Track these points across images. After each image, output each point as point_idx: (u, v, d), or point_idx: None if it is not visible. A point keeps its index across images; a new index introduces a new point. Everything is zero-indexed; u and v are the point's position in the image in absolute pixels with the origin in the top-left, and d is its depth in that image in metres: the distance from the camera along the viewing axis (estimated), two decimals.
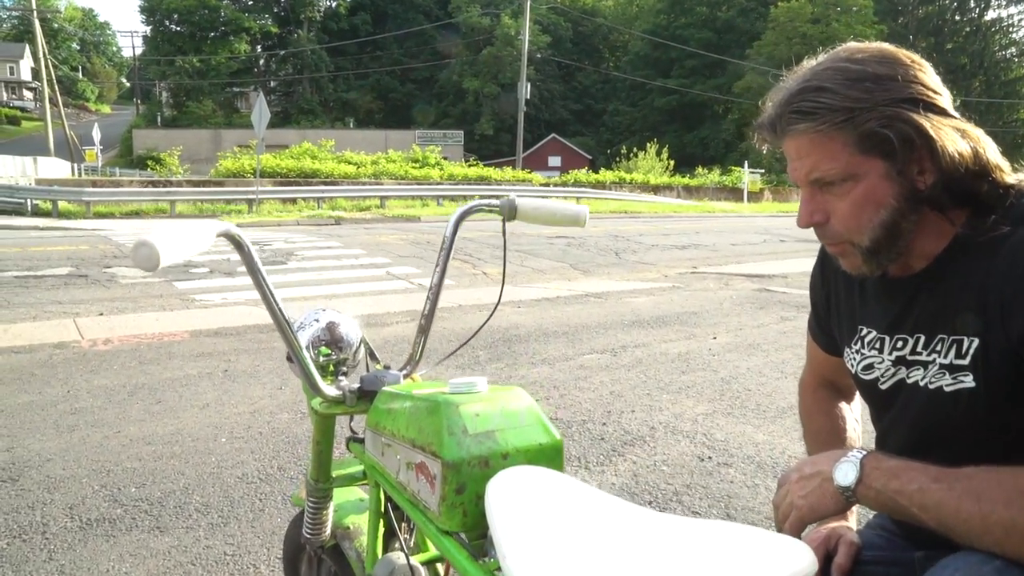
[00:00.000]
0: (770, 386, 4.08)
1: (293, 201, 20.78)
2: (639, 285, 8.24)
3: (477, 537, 0.97)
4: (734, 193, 33.64)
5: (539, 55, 51.01)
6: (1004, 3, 62.36)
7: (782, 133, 1.03)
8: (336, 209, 20.18)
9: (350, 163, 26.53)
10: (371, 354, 1.39)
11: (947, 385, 1.02)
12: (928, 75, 0.99)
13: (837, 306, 1.25)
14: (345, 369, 1.33)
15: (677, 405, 3.70)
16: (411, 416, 1.05)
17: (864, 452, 0.99)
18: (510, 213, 1.38)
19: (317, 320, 1.34)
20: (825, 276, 1.28)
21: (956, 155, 0.96)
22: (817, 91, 0.99)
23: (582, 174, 31.66)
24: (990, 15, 63.25)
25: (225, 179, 22.80)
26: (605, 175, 31.79)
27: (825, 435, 1.38)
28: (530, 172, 31.05)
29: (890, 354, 1.11)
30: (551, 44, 57.04)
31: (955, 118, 0.98)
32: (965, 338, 1.00)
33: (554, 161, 50.59)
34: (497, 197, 1.42)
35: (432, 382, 1.21)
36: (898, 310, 1.09)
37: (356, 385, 1.26)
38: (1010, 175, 0.99)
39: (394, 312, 6.38)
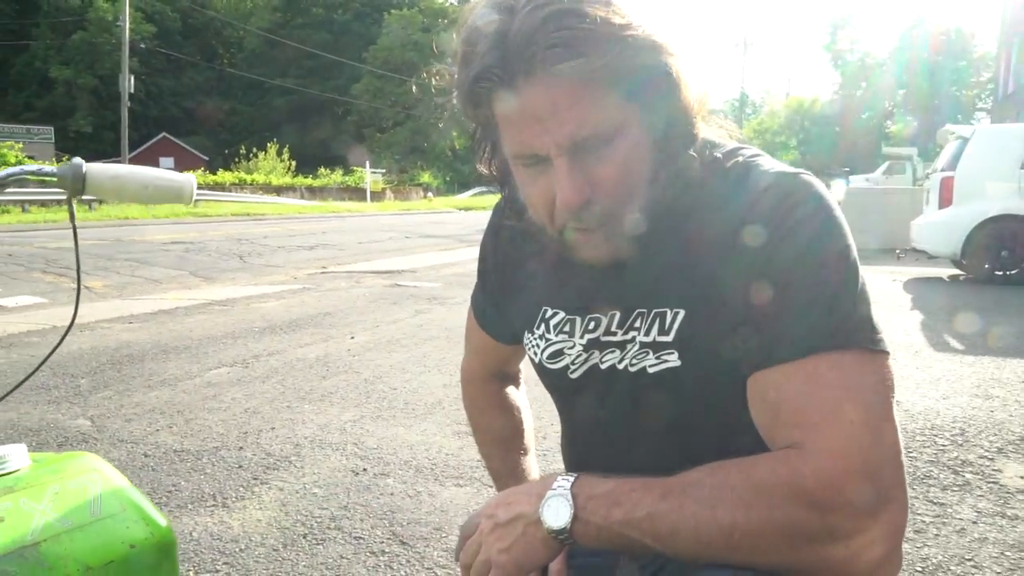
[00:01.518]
0: (415, 382, 3.97)
1: None
2: (268, 289, 7.73)
3: None
4: (357, 193, 33.98)
5: (143, 45, 46.06)
6: None
7: (531, 78, 0.73)
8: None
9: None
10: None
11: (651, 366, 0.86)
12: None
13: (515, 286, 1.05)
14: None
15: (322, 415, 3.39)
16: None
17: (570, 479, 0.79)
18: (74, 186, 0.93)
19: None
20: (499, 253, 1.07)
21: (697, 98, 0.81)
22: (579, 17, 0.71)
23: (199, 175, 29.35)
24: None
25: None
26: (224, 176, 29.95)
27: (501, 435, 1.22)
28: None
29: (582, 337, 0.93)
30: (157, 35, 51.91)
31: (678, 55, 0.79)
32: (668, 310, 0.85)
33: (166, 162, 46.24)
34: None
35: None
36: (590, 286, 0.91)
37: None
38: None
39: None
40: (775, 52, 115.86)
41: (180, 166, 43.10)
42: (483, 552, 0.81)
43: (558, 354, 0.97)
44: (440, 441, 3.03)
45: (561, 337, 0.96)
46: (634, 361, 0.88)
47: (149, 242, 12.90)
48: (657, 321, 0.86)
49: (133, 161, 31.82)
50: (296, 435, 3.10)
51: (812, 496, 0.70)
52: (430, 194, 42.71)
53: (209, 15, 58.56)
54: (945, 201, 8.38)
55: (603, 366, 0.92)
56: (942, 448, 2.95)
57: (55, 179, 0.93)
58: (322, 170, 38.67)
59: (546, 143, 0.76)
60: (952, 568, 2.03)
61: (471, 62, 0.76)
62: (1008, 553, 2.12)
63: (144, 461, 2.82)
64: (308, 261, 10.74)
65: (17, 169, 0.91)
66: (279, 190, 30.64)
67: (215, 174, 30.30)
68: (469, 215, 27.53)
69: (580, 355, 0.94)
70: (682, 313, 0.84)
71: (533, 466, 1.21)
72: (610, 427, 0.96)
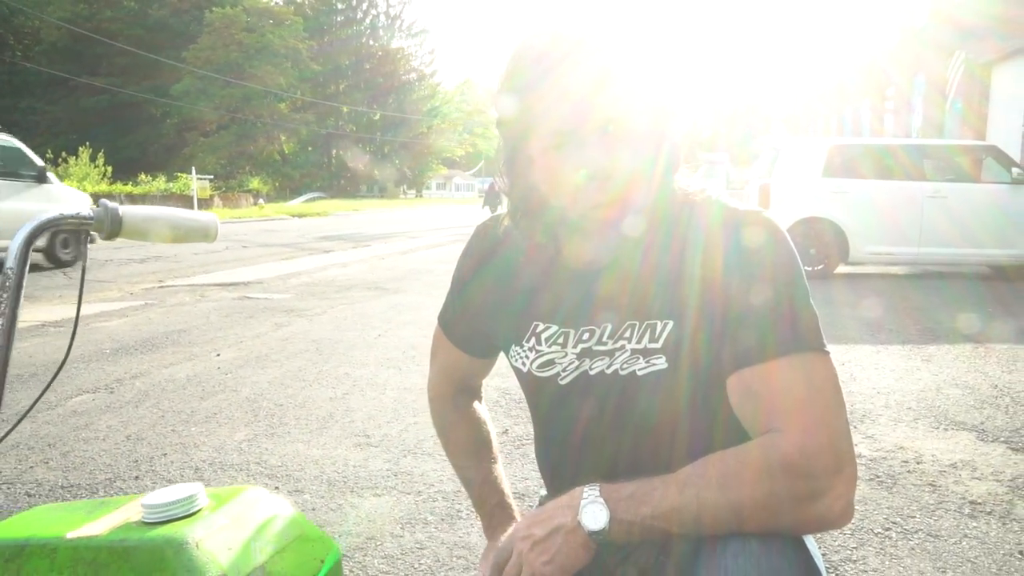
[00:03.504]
0: (300, 397, 3.95)
1: None
2: (106, 307, 7.24)
3: None
4: (183, 201, 32.03)
5: None
6: (405, 35, 72.24)
7: (569, 70, 0.94)
8: None
9: None
10: None
11: (640, 370, 1.03)
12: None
13: (498, 301, 1.17)
14: None
15: (212, 436, 3.31)
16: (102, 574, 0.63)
17: (596, 488, 0.93)
18: (111, 228, 0.98)
19: None
20: (482, 270, 1.19)
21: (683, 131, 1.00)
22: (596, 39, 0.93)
23: None
24: (396, 43, 72.48)
25: None
26: None
27: (471, 446, 1.32)
28: None
29: (575, 347, 1.08)
30: None
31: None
32: (658, 322, 1.02)
33: None
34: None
35: (61, 512, 0.75)
36: (585, 302, 1.07)
37: None
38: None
39: None
40: None
41: None
42: (526, 570, 0.92)
43: (549, 364, 1.11)
44: (343, 454, 3.07)
45: (554, 348, 1.10)
46: (624, 366, 1.04)
47: None
48: (648, 331, 1.02)
49: None
50: (193, 459, 3.02)
51: (797, 467, 0.89)
52: (261, 200, 41.03)
53: None
54: (764, 204, 9.28)
55: (592, 372, 1.06)
56: None
57: (92, 223, 0.96)
58: (143, 176, 36.10)
59: (582, 123, 0.93)
60: None
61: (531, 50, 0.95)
62: (856, 506, 2.52)
63: (29, 501, 2.64)
64: (141, 275, 10.12)
65: (57, 215, 0.94)
66: (95, 199, 28.30)
67: None
68: (305, 221, 26.81)
69: (572, 363, 1.08)
70: (671, 324, 1.01)
71: (502, 473, 1.31)
72: (593, 428, 1.10)
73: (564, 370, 1.09)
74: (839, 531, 2.34)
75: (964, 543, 2.27)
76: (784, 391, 0.94)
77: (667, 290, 1.02)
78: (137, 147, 51.68)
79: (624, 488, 0.92)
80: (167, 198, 32.18)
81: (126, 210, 0.99)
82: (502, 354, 1.25)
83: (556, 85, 0.92)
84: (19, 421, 1.00)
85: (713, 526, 0.89)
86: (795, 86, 31.52)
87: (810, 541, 0.98)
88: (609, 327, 1.05)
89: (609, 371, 1.05)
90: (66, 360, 1.08)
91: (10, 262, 0.89)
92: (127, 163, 41.68)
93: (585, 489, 0.93)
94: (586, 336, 1.07)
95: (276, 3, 64.96)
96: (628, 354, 1.04)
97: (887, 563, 2.15)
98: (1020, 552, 2.20)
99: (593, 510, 0.90)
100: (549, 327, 1.10)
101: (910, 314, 6.54)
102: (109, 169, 34.24)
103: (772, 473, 0.90)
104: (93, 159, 33.47)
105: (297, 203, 43.36)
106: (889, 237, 9.03)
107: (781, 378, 0.94)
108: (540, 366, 1.12)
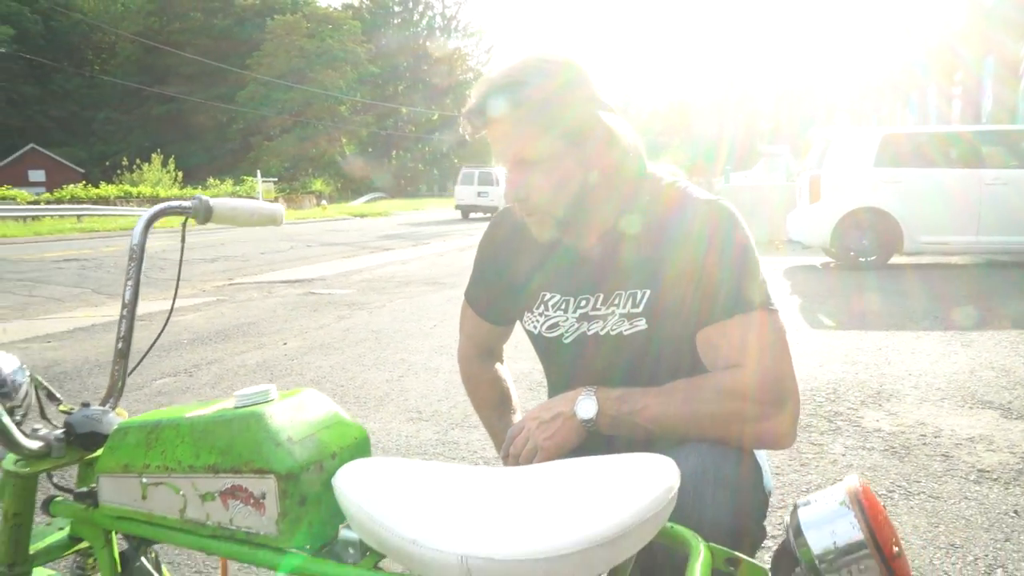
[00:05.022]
0: (359, 379, 4.29)
1: None
2: (182, 302, 7.72)
3: (321, 547, 0.93)
4: None
5: (2, 49, 43.24)
6: (461, 35, 72.84)
7: (488, 120, 1.20)
8: None
9: None
10: (49, 394, 1.17)
11: (626, 330, 1.29)
12: (597, 77, 1.25)
13: (512, 278, 1.43)
14: (18, 418, 1.11)
15: None
16: (201, 440, 0.94)
17: (592, 389, 1.22)
18: (205, 215, 1.29)
19: None
20: (499, 253, 1.46)
21: (626, 141, 1.24)
22: (519, 85, 1.18)
23: (79, 189, 28.03)
24: (452, 44, 73.18)
25: None
26: (108, 189, 28.67)
27: (495, 401, 1.57)
28: (10, 188, 26.37)
29: (574, 312, 1.34)
30: (16, 38, 48.76)
31: (613, 110, 1.25)
32: (638, 290, 1.28)
33: (36, 175, 43.73)
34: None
35: (181, 407, 1.07)
36: (580, 275, 1.33)
37: (60, 431, 1.06)
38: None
39: None
40: (656, 52, 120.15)
41: (54, 178, 40.72)
42: (531, 443, 1.22)
43: (555, 326, 1.38)
44: (397, 427, 3.39)
45: (558, 313, 1.37)
46: (614, 328, 1.30)
47: (39, 260, 12.46)
48: (631, 299, 1.29)
49: (0, 173, 29.99)
50: None
51: (746, 394, 1.16)
52: (324, 202, 42.19)
53: (75, 18, 55.54)
54: (815, 196, 9.29)
55: (589, 333, 1.33)
56: (819, 404, 3.56)
57: (191, 211, 1.27)
58: (211, 180, 37.53)
59: (502, 158, 1.23)
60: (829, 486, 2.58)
61: (468, 102, 1.24)
62: (865, 472, 2.71)
63: None
64: (212, 273, 10.67)
65: (165, 205, 1.25)
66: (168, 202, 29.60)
67: (97, 187, 28.98)
68: (365, 221, 27.49)
69: (573, 325, 1.35)
70: (649, 292, 1.27)
71: None
72: (591, 377, 1.35)
73: (567, 332, 1.36)
74: None
75: (963, 504, 2.44)
76: (739, 341, 1.20)
77: (645, 265, 1.28)
78: (205, 152, 53.61)
79: (614, 392, 1.21)
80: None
81: (215, 201, 1.30)
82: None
83: (490, 130, 1.22)
84: (141, 360, 1.31)
85: (677, 430, 1.16)
86: (858, 73, 30.78)
87: (761, 455, 1.23)
88: (601, 296, 1.32)
89: (603, 333, 1.31)
90: (170, 317, 1.39)
91: (135, 240, 1.20)
92: (196, 168, 43.38)
93: (584, 389, 1.22)
94: (583, 303, 1.34)
95: (334, 8, 66.44)
96: (617, 318, 1.30)
97: None
98: (1015, 511, 2.36)
99: (586, 403, 1.20)
100: (554, 296, 1.37)
101: (959, 302, 6.54)
102: (180, 174, 35.77)
103: (726, 395, 1.17)
104: (165, 164, 35.00)
105: (359, 203, 44.39)
106: (946, 226, 8.88)
107: (736, 332, 1.20)
108: (548, 328, 1.38)
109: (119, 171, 36.48)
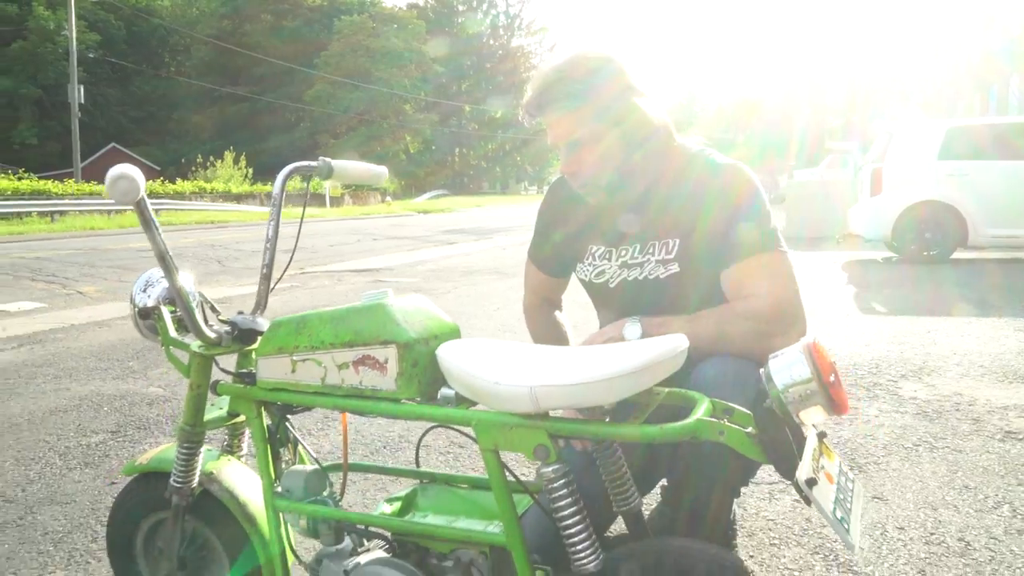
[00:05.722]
0: None
1: None
2: (255, 288, 8.21)
3: (429, 399, 1.25)
4: (317, 199, 34.29)
5: (90, 55, 45.47)
6: (524, 33, 73.19)
7: (543, 110, 1.52)
8: None
9: None
10: (212, 307, 1.54)
11: (661, 274, 1.58)
12: (632, 68, 1.54)
13: (566, 235, 1.74)
14: None
15: None
16: (340, 323, 1.28)
17: (638, 317, 1.50)
18: (328, 172, 1.65)
19: (161, 279, 1.46)
20: (555, 215, 1.77)
21: (657, 120, 1.54)
22: (567, 79, 1.49)
23: (158, 185, 29.39)
24: (515, 42, 73.57)
25: None
26: (183, 185, 30.03)
27: (555, 340, 1.87)
28: (99, 184, 27.83)
29: (616, 260, 1.64)
30: (102, 43, 51.18)
31: (644, 95, 1.54)
32: (670, 240, 1.57)
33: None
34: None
35: (322, 310, 1.41)
36: (619, 229, 1.63)
37: (227, 327, 1.42)
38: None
39: None
40: (720, 50, 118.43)
41: None
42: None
43: (601, 273, 1.68)
44: None
45: (603, 262, 1.67)
46: (651, 273, 1.60)
47: (124, 249, 13.26)
48: (664, 247, 1.58)
49: (85, 172, 31.64)
50: None
51: (762, 315, 1.45)
52: (388, 198, 43.18)
53: (154, 23, 57.96)
54: (876, 190, 9.29)
55: (630, 279, 1.63)
56: (860, 376, 3.76)
57: (317, 168, 1.62)
58: None
59: (556, 141, 1.55)
60: (859, 441, 2.82)
61: (526, 95, 1.55)
62: (895, 431, 2.93)
63: None
64: (284, 263, 11.19)
65: (297, 164, 1.61)
66: (239, 198, 30.89)
67: (174, 183, 30.36)
68: (428, 217, 28.09)
69: (616, 272, 1.65)
70: (679, 240, 1.56)
71: None
72: (635, 313, 1.66)
73: (611, 278, 1.66)
74: (872, 444, 2.77)
75: (983, 456, 2.64)
76: (755, 276, 1.49)
77: (675, 218, 1.57)
78: (274, 151, 54.99)
79: (656, 319, 1.50)
80: (301, 196, 34.35)
81: (335, 163, 1.65)
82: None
83: (545, 118, 1.53)
84: (279, 279, 1.66)
85: (707, 347, 1.44)
86: (935, 64, 29.91)
87: None
88: (638, 246, 1.62)
89: (641, 277, 1.61)
90: (294, 253, 1.74)
91: (275, 191, 1.55)
92: (266, 166, 44.54)
93: (629, 318, 1.51)
94: (624, 253, 1.64)
95: (399, 8, 67.66)
96: (653, 264, 1.60)
97: (907, 466, 2.56)
98: None
99: (633, 328, 1.49)
100: (599, 248, 1.68)
101: (1021, 294, 6.55)
102: (250, 171, 37.07)
103: (746, 317, 1.47)
104: (236, 162, 36.32)
105: (422, 200, 45.29)
106: (1013, 220, 8.76)
107: (752, 269, 1.50)
108: (595, 275, 1.69)
109: (193, 168, 38.06)
